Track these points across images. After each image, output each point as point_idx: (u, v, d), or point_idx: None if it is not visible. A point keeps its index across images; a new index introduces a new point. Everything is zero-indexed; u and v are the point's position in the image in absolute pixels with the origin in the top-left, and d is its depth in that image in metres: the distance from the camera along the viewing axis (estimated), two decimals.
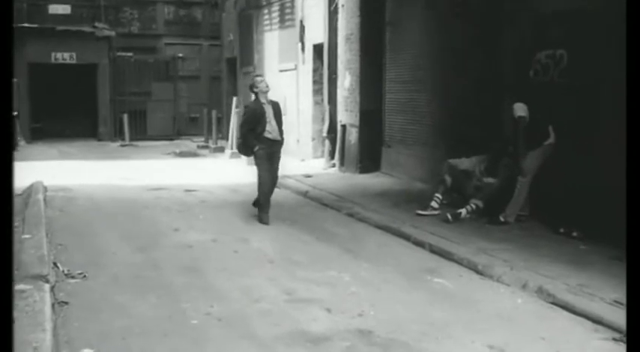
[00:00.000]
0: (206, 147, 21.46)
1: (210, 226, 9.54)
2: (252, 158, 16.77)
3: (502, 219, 8.94)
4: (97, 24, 25.63)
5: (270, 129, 9.36)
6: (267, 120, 9.32)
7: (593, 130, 8.32)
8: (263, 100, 9.41)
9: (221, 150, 19.96)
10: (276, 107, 9.54)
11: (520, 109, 8.88)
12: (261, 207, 9.61)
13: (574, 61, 8.79)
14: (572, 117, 8.64)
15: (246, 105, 9.72)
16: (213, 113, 21.24)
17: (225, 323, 5.61)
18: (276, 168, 9.66)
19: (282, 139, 9.67)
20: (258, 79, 9.60)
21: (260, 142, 9.32)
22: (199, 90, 28.23)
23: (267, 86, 9.47)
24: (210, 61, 28.30)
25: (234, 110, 18.86)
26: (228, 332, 5.38)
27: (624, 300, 5.87)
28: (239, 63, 23.34)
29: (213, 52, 27.67)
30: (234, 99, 19.41)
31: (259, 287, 6.62)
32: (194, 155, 20.49)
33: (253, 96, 9.72)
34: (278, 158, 9.66)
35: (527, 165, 8.87)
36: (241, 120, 9.52)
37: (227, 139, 19.83)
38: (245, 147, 9.59)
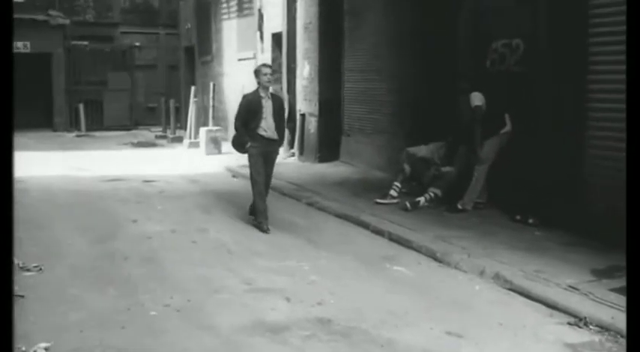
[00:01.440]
0: (164, 137, 21.26)
1: (168, 217, 9.46)
2: (213, 148, 17.09)
3: (460, 206, 9.04)
4: (50, 12, 25.12)
5: (266, 127, 8.45)
6: (263, 116, 8.41)
7: (547, 118, 8.43)
8: (262, 94, 8.47)
9: (179, 140, 19.79)
10: (277, 103, 8.57)
11: (477, 99, 8.97)
12: (258, 212, 8.60)
13: (530, 50, 8.89)
14: (528, 106, 8.75)
15: (244, 95, 8.72)
16: (171, 102, 21.04)
17: (184, 314, 5.57)
18: (270, 169, 8.80)
19: (281, 139, 8.79)
20: (263, 69, 8.48)
21: (253, 140, 8.43)
22: (157, 80, 27.96)
23: (270, 81, 8.50)
24: (168, 50, 28.03)
25: (192, 99, 18.72)
26: (187, 323, 5.35)
27: (579, 285, 6.00)
28: (197, 52, 23.15)
29: (171, 40, 27.40)
30: (192, 88, 19.28)
31: (218, 277, 6.59)
32: (152, 145, 20.29)
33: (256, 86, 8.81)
34: (273, 159, 8.80)
35: (484, 153, 8.97)
36: (236, 111, 8.63)
37: (185, 129, 19.67)
38: (237, 144, 8.71)
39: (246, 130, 8.45)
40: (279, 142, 8.75)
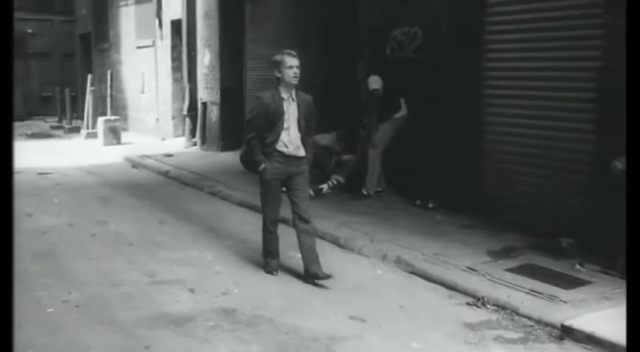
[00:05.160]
0: (60, 127, 20.58)
1: (65, 210, 9.16)
2: (112, 139, 16.66)
3: (364, 192, 9.15)
4: None
5: (288, 140, 6.06)
6: (285, 125, 6.03)
7: (445, 105, 8.62)
8: (284, 94, 6.05)
9: (76, 130, 19.20)
10: (304, 105, 6.15)
11: (375, 82, 9.07)
12: (265, 252, 6.44)
13: (429, 39, 9.06)
14: (427, 93, 8.92)
15: (258, 97, 6.25)
16: (67, 92, 20.38)
17: (83, 309, 5.42)
18: (301, 196, 6.20)
19: (310, 154, 6.44)
20: (288, 59, 6.02)
21: (269, 158, 6.07)
22: (52, 68, 26.92)
23: (297, 76, 6.02)
24: (63, 38, 27.05)
25: (89, 88, 18.17)
26: (86, 319, 5.21)
27: (477, 266, 6.20)
28: (93, 39, 22.49)
29: (66, 27, 26.45)
30: (89, 77, 18.70)
31: (119, 270, 6.44)
32: (47, 136, 19.57)
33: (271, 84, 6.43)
34: (301, 182, 6.20)
35: (377, 137, 9.11)
36: (246, 118, 6.37)
37: (82, 119, 19.10)
38: (247, 162, 6.37)
39: (261, 145, 6.09)
40: (304, 161, 6.22)
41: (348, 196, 9.28)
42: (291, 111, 6.07)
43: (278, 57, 6.09)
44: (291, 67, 5.98)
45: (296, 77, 6.00)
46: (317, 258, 6.07)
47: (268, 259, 6.40)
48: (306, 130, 6.17)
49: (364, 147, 9.42)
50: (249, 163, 6.33)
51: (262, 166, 6.07)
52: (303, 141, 6.15)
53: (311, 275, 6.04)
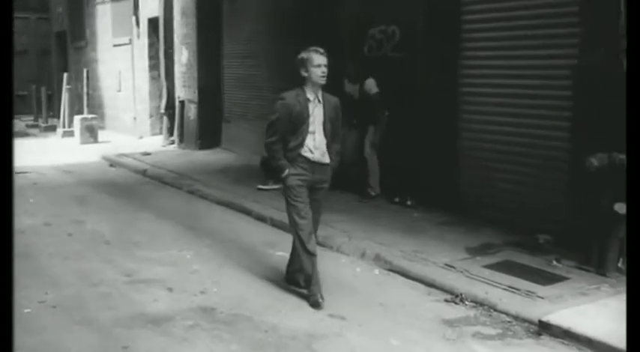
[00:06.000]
0: (36, 126, 20.39)
1: (42, 209, 9.07)
2: (89, 137, 16.52)
3: (372, 193, 9.02)
4: None
5: (314, 145, 5.55)
6: (310, 129, 5.53)
7: (423, 103, 8.65)
8: (310, 95, 5.54)
9: (52, 129, 19.03)
10: (330, 107, 5.64)
11: (373, 85, 8.97)
12: (306, 277, 5.62)
13: (406, 37, 9.08)
14: (405, 91, 8.94)
15: (281, 97, 5.61)
16: (43, 90, 20.20)
17: (60, 309, 5.37)
18: (317, 211, 5.75)
19: (335, 162, 5.74)
20: (315, 57, 5.51)
21: (293, 164, 5.55)
22: (27, 67, 26.63)
23: (325, 76, 5.53)
24: (39, 35, 26.78)
25: (65, 86, 18.02)
26: (64, 319, 5.16)
27: (455, 263, 6.23)
28: (69, 37, 22.31)
29: (42, 25, 26.20)
30: (65, 75, 18.54)
31: (96, 270, 6.39)
32: (23, 135, 19.35)
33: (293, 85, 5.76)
34: (320, 195, 5.74)
35: (375, 138, 9.05)
36: (269, 121, 5.66)
37: (59, 118, 18.93)
38: (269, 166, 6.01)
39: (283, 150, 5.57)
40: (330, 168, 5.71)
41: (356, 198, 9.05)
42: (316, 114, 5.55)
43: (304, 54, 5.58)
44: (319, 65, 5.48)
45: (324, 76, 5.51)
46: (317, 275, 5.64)
47: (312, 288, 5.53)
48: (332, 135, 5.64)
49: (355, 148, 9.25)
50: (271, 169, 5.70)
51: (286, 172, 5.52)
52: (328, 146, 5.63)
53: (293, 282, 5.84)
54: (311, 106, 5.53)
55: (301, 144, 5.52)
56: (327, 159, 5.62)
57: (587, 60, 6.51)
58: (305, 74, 5.53)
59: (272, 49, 12.33)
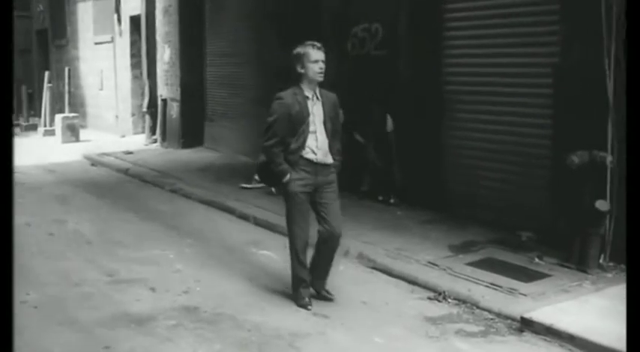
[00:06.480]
0: (17, 125, 20.16)
1: (23, 209, 8.97)
2: (70, 136, 16.40)
3: (392, 200, 8.65)
4: None
5: (316, 146, 5.27)
6: (311, 128, 5.26)
7: (407, 101, 8.66)
8: (308, 93, 5.30)
9: (33, 128, 18.90)
10: (329, 105, 5.39)
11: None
12: (295, 280, 5.51)
13: (389, 35, 9.09)
14: (387, 88, 8.94)
15: (278, 97, 5.36)
16: (24, 89, 20.03)
17: (42, 310, 5.33)
18: (333, 214, 5.35)
19: (337, 162, 5.45)
20: (312, 52, 5.25)
21: (294, 167, 5.26)
22: None
23: (323, 72, 5.28)
24: (19, 34, 26.55)
25: (46, 85, 17.90)
26: (46, 320, 5.13)
27: (437, 261, 6.26)
28: (50, 35, 22.13)
29: (22, 23, 25.96)
30: (47, 73, 18.42)
31: (78, 270, 6.35)
32: None
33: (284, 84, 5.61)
34: (331, 195, 5.37)
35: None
36: (266, 123, 5.40)
37: (40, 117, 18.80)
38: (267, 173, 5.52)
39: (283, 152, 5.27)
40: (333, 168, 5.41)
41: (394, 203, 8.59)
42: (316, 112, 5.29)
43: (300, 49, 5.31)
44: (316, 61, 5.23)
45: (322, 73, 5.26)
46: (326, 275, 5.57)
47: (300, 290, 5.44)
48: (332, 134, 5.36)
49: (373, 156, 8.88)
50: (269, 175, 5.45)
51: (287, 177, 5.21)
52: (330, 146, 5.35)
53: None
54: (310, 104, 5.29)
55: (302, 146, 5.23)
56: (330, 160, 5.34)
57: (566, 59, 6.55)
58: (301, 70, 5.27)
59: (255, 48, 12.30)
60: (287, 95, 5.30)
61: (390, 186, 8.65)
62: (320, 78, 5.28)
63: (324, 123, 5.31)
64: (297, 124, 5.22)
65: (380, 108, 8.75)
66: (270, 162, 5.34)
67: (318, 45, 5.31)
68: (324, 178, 5.32)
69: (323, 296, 5.52)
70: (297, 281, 5.47)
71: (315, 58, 5.23)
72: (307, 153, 5.25)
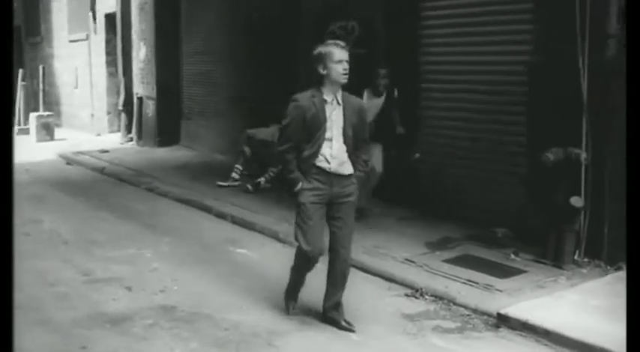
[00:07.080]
0: None
1: None
2: (45, 135, 16.24)
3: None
4: None
5: (330, 154, 4.84)
6: (327, 135, 4.83)
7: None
8: (327, 96, 4.85)
9: None
10: (351, 111, 4.92)
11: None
12: (289, 287, 5.30)
13: (366, 32, 9.09)
14: (363, 86, 8.94)
15: (294, 99, 4.93)
16: None
17: (18, 310, 5.17)
18: (345, 229, 4.97)
19: (361, 173, 5.04)
20: (336, 52, 4.83)
21: (307, 176, 4.86)
22: None
23: (347, 73, 4.83)
24: None
25: (20, 83, 17.70)
26: (21, 320, 5.04)
27: (414, 258, 6.28)
28: (24, 32, 21.86)
29: None
30: (20, 71, 18.20)
31: (54, 269, 6.30)
32: None
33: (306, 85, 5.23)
34: (347, 209, 4.94)
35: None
36: (280, 127, 5.09)
37: (13, 115, 18.57)
38: (282, 178, 5.29)
39: (297, 159, 4.90)
40: (352, 179, 4.95)
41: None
42: (335, 118, 4.84)
43: (323, 49, 4.88)
44: (340, 61, 4.79)
45: (346, 74, 4.81)
46: (337, 305, 5.07)
47: (292, 302, 5.27)
48: (354, 143, 4.91)
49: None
50: (282, 180, 5.16)
51: (299, 186, 4.84)
52: (351, 156, 4.90)
53: (330, 320, 5.06)
54: (328, 109, 4.83)
55: (316, 154, 4.82)
56: (347, 170, 4.88)
57: (541, 57, 6.60)
58: (323, 72, 4.82)
59: (231, 46, 12.25)
60: (303, 97, 4.89)
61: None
62: (344, 79, 4.84)
63: (344, 130, 4.86)
64: (314, 129, 4.80)
65: None
66: (283, 169, 5.04)
67: (342, 44, 4.94)
68: (340, 190, 4.88)
69: (343, 327, 4.98)
70: (292, 294, 5.28)
71: (339, 57, 4.81)
72: (320, 162, 4.84)
